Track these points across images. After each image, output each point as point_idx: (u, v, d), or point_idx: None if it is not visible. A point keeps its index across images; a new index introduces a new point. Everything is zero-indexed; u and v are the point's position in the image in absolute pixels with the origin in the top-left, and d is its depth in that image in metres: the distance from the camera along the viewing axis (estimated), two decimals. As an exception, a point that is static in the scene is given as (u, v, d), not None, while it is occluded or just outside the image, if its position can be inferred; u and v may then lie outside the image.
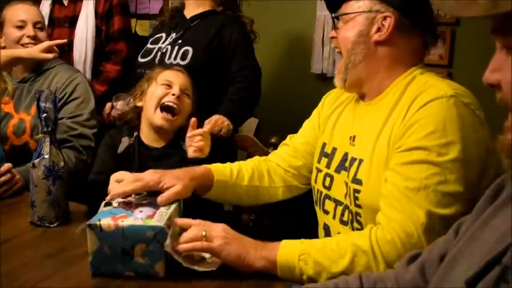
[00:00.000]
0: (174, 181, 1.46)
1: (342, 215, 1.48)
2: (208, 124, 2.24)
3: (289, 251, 1.28)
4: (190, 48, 2.46)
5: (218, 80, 2.49)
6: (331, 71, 3.39)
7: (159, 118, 1.91)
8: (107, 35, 2.98)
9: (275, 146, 2.08)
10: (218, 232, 1.32)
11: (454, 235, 0.95)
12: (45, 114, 1.57)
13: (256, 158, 1.77)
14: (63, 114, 2.22)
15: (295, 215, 3.14)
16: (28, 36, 2.26)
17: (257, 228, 2.29)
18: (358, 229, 1.40)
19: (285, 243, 1.30)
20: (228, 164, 1.70)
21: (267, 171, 1.70)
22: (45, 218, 1.60)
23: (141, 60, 2.55)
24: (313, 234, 1.62)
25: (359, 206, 1.40)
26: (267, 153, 2.07)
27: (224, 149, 2.31)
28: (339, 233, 1.49)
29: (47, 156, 1.58)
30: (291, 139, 1.76)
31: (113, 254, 1.28)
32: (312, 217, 1.66)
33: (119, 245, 1.27)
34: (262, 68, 2.57)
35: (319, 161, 1.61)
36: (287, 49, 3.61)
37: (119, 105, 1.99)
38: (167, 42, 2.56)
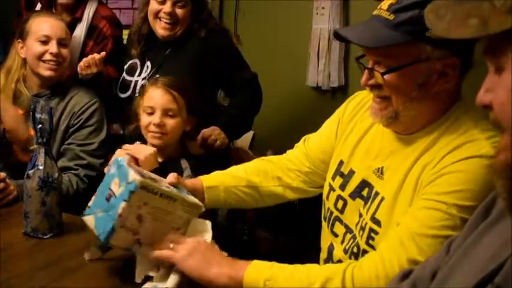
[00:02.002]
0: None
1: (347, 243, 1.44)
2: (206, 132, 2.26)
3: (256, 275, 1.25)
4: None
5: (207, 102, 2.45)
6: (326, 84, 3.41)
7: (150, 140, 1.94)
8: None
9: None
10: (186, 244, 1.31)
11: (446, 252, 0.95)
12: (40, 125, 1.56)
13: (261, 159, 1.72)
14: (73, 140, 2.20)
15: (292, 227, 3.14)
16: (51, 53, 2.19)
17: (252, 240, 2.28)
18: None
19: (254, 265, 1.27)
20: (221, 171, 1.67)
21: (272, 171, 1.65)
22: (38, 229, 1.59)
23: (120, 95, 2.46)
24: (313, 248, 1.62)
25: (372, 247, 1.34)
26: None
27: (219, 162, 2.32)
28: (339, 260, 1.45)
29: (41, 167, 1.58)
30: (304, 142, 1.67)
31: (105, 213, 1.31)
32: (310, 230, 1.63)
33: (103, 203, 1.32)
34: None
35: (333, 178, 1.52)
36: (282, 62, 3.62)
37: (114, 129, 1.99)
38: (143, 75, 2.44)
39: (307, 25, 3.45)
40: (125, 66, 2.52)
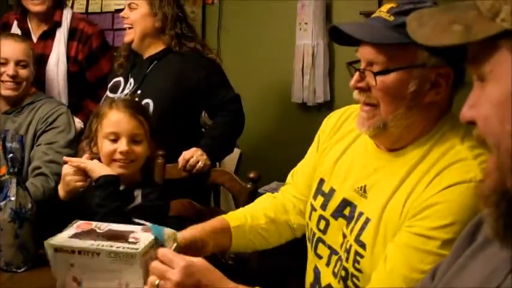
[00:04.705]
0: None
1: (335, 266, 1.39)
2: (187, 154, 2.20)
3: None
4: (150, 102, 2.32)
5: (189, 122, 2.45)
6: (312, 99, 3.38)
7: (115, 169, 1.74)
8: (97, 78, 2.83)
9: (254, 181, 2.02)
10: (175, 276, 1.06)
11: (431, 280, 0.90)
12: (11, 155, 1.51)
13: (267, 195, 1.67)
14: (40, 141, 2.23)
15: (283, 247, 3.09)
16: (8, 75, 2.24)
17: (241, 264, 2.22)
18: None
19: None
20: (239, 210, 1.63)
21: (282, 206, 1.60)
22: (12, 263, 1.53)
23: None
24: (304, 268, 1.55)
25: (359, 270, 1.29)
26: (245, 188, 2.03)
27: (201, 183, 2.27)
28: (328, 284, 1.40)
29: (13, 199, 1.51)
30: (293, 177, 1.63)
31: None
32: (303, 250, 1.58)
33: None
34: (243, 98, 2.54)
35: (314, 198, 1.47)
36: (267, 79, 3.60)
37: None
38: (126, 91, 2.43)
39: (291, 41, 3.43)
40: (109, 85, 2.53)
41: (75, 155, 2.18)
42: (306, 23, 3.35)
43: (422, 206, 1.18)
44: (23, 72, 2.28)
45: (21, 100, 2.31)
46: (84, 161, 1.73)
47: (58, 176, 2.09)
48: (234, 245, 1.52)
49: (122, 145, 1.74)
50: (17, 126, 2.26)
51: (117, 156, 1.74)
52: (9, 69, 2.25)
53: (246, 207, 1.65)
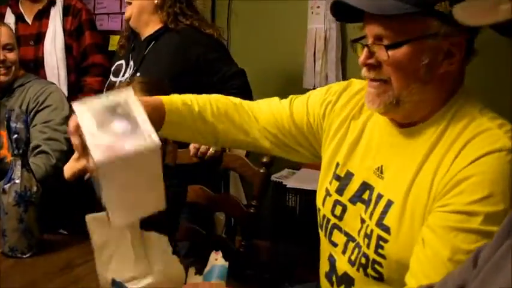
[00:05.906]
0: None
1: (352, 253, 1.32)
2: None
3: None
4: None
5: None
6: (324, 85, 3.30)
7: None
8: (81, 52, 3.05)
9: (267, 166, 1.96)
10: None
11: (473, 265, 0.83)
12: (16, 135, 1.46)
13: (232, 103, 1.53)
14: (36, 121, 2.19)
15: (293, 235, 3.04)
16: None
17: (251, 251, 2.17)
18: (374, 277, 1.25)
19: None
20: (193, 100, 1.45)
21: (241, 122, 1.49)
22: (16, 248, 1.49)
23: None
24: (314, 256, 1.49)
25: (382, 256, 1.22)
26: (257, 173, 1.97)
27: (213, 169, 2.21)
28: (345, 272, 1.33)
29: (18, 181, 1.47)
30: (290, 105, 1.53)
31: None
32: (313, 238, 1.51)
33: None
34: (253, 84, 2.46)
35: (330, 182, 1.39)
36: (278, 64, 3.52)
37: None
38: (127, 74, 2.41)
39: (303, 25, 3.35)
40: (112, 68, 2.53)
41: None
42: (318, 7, 3.27)
43: (454, 182, 1.11)
44: (10, 56, 2.26)
45: (11, 84, 2.28)
46: None
47: (58, 152, 2.14)
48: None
49: None
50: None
51: None
52: None
53: (207, 99, 1.48)
